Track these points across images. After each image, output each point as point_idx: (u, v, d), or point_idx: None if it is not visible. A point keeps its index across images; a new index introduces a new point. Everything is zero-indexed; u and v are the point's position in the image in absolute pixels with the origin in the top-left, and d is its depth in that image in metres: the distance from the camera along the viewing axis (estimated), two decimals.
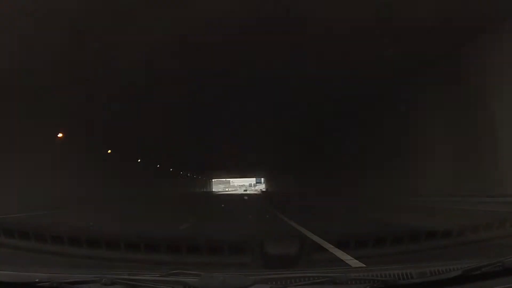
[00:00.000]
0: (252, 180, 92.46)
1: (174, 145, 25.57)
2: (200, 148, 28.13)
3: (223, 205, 23.35)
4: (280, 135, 23.19)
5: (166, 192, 33.81)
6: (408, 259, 2.85)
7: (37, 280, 1.60)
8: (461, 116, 8.93)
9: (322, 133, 21.46)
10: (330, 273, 1.73)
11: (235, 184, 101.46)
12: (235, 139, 23.69)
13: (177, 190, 41.35)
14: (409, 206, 9.87)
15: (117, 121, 16.62)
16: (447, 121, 9.59)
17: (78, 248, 3.42)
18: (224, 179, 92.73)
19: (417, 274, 1.59)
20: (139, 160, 28.03)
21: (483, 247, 3.52)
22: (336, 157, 20.50)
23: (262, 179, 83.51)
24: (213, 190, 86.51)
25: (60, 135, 15.75)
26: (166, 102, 13.93)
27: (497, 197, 6.80)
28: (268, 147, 29.29)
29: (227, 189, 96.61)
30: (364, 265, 3.31)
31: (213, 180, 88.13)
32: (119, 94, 12.54)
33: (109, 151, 22.07)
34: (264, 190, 74.55)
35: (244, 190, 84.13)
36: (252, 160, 40.65)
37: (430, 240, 3.73)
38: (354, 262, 3.68)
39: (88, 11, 6.92)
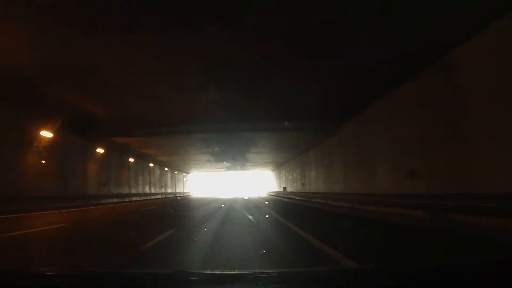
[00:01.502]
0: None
1: None
2: None
3: None
4: None
5: None
6: None
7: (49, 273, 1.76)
8: None
9: None
10: (326, 272, 1.90)
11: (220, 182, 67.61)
12: None
13: None
14: None
15: None
16: None
17: None
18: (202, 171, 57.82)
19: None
20: None
21: None
22: None
23: (272, 172, 50.28)
24: (184, 191, 52.36)
25: None
26: None
27: None
28: None
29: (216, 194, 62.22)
30: (359, 265, 3.48)
31: (186, 174, 54.41)
32: None
33: None
34: (274, 193, 41.71)
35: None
36: None
37: None
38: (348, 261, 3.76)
39: None
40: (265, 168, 48.41)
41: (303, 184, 28.09)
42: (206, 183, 66.31)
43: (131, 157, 26.14)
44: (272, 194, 46.42)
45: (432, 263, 1.94)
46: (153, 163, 32.02)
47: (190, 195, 52.38)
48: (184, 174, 51.14)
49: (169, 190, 41.23)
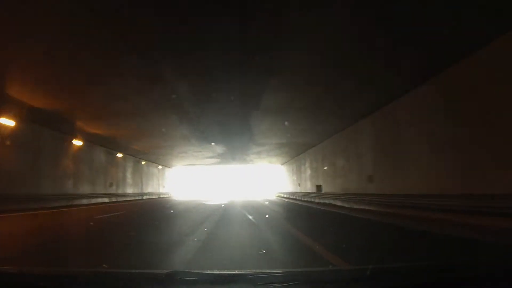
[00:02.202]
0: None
1: None
2: None
3: None
4: None
5: None
6: None
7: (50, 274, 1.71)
8: None
9: None
10: (326, 272, 1.96)
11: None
12: None
13: None
14: None
15: None
16: None
17: None
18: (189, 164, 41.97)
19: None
20: None
21: None
22: None
23: (283, 166, 36.01)
24: (161, 191, 37.46)
25: None
26: None
27: None
28: None
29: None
30: (351, 265, 3.52)
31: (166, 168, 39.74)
32: None
33: None
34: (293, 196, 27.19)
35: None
36: None
37: None
38: (340, 262, 3.76)
39: None
40: (274, 159, 34.31)
41: (369, 179, 13.94)
42: (196, 181, 51.89)
43: (8, 117, 11.85)
44: (285, 196, 32.25)
45: (432, 263, 1.87)
46: (85, 141, 17.72)
47: (169, 196, 38.00)
48: (160, 167, 36.69)
49: (130, 190, 26.66)
